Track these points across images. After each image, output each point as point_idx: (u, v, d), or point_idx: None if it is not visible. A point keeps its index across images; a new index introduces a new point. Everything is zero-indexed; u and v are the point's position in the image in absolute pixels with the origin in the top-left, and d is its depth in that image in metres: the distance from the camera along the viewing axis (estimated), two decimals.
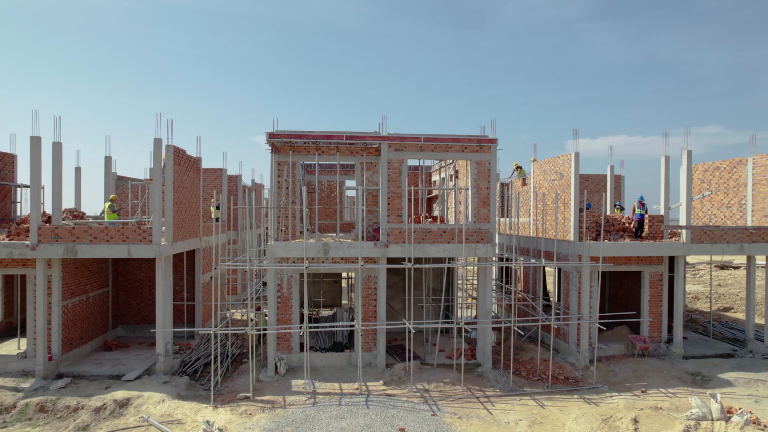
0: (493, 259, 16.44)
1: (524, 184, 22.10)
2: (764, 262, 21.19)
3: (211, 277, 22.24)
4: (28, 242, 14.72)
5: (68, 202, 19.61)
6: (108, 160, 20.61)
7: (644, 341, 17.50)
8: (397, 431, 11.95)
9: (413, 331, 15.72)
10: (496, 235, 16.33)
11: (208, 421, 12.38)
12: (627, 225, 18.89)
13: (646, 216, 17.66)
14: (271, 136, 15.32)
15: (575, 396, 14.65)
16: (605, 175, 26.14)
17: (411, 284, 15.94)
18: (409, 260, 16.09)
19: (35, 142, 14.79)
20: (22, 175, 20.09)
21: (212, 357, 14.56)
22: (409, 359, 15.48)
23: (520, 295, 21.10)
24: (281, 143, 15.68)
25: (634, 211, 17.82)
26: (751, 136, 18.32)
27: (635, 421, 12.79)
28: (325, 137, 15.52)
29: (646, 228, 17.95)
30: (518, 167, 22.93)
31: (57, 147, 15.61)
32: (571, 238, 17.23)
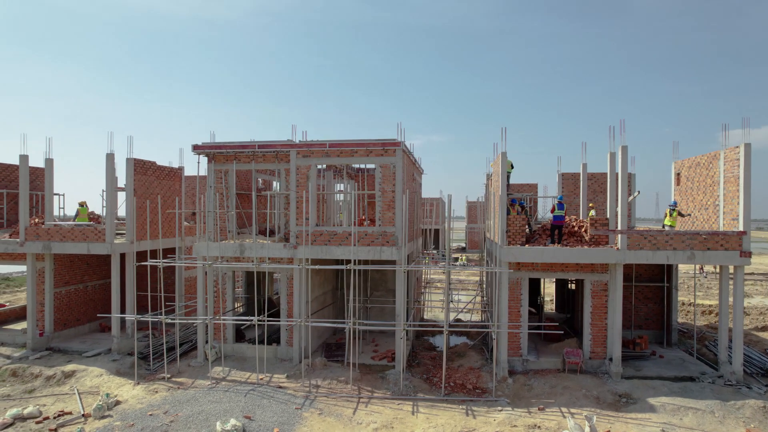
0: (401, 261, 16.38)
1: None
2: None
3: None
4: (18, 240, 18.39)
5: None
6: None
7: (578, 356, 16.02)
8: (244, 418, 12.91)
9: (302, 327, 16.44)
10: (401, 238, 16.21)
11: (107, 394, 14.53)
12: (577, 229, 17.36)
13: (569, 219, 16.15)
14: (195, 148, 17.15)
15: (462, 406, 14.16)
16: (629, 174, 23.68)
17: (301, 285, 16.56)
18: (321, 262, 16.79)
19: (24, 161, 18.40)
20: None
21: (114, 343, 16.73)
22: (308, 356, 16.23)
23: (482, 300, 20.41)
24: (210, 153, 17.44)
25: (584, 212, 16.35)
26: (723, 125, 15.62)
27: None
28: (240, 147, 16.92)
29: (587, 231, 16.36)
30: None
31: (49, 163, 19.15)
32: (498, 242, 16.45)
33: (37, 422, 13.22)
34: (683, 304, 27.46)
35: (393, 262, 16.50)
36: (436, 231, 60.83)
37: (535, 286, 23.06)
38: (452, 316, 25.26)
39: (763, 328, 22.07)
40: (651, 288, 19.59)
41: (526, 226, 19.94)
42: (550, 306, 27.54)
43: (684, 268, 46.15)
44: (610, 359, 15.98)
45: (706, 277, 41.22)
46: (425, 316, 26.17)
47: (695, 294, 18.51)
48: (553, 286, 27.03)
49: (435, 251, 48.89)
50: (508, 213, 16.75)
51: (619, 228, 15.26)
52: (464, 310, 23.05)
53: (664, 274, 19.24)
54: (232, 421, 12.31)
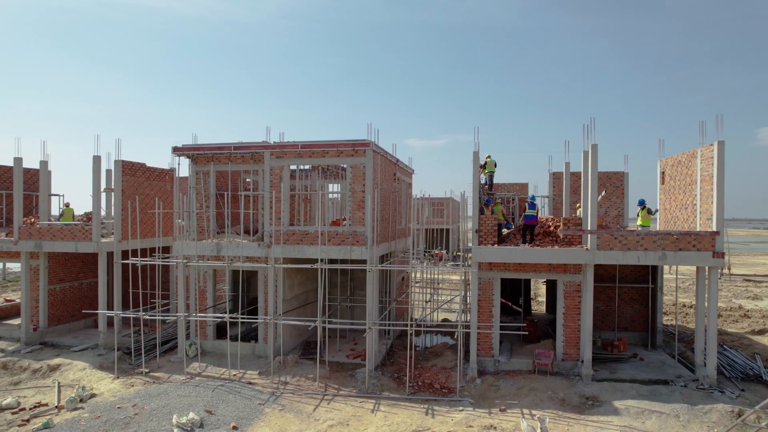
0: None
1: None
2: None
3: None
4: (13, 239, 19.25)
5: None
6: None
7: (548, 357, 15.83)
8: (205, 412, 13.25)
9: (276, 325, 16.69)
10: (371, 238, 16.29)
11: (83, 387, 15.11)
12: (552, 229, 17.15)
13: (545, 219, 15.93)
14: (175, 150, 17.65)
15: (424, 405, 14.19)
16: (621, 173, 23.24)
17: (273, 283, 16.74)
18: (295, 261, 17.02)
19: (17, 163, 19.24)
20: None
21: (111, 339, 17.27)
22: (281, 354, 16.49)
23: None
24: (191, 155, 17.90)
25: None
26: (700, 123, 15.16)
27: None
28: (218, 148, 17.33)
29: (567, 231, 16.15)
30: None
31: (43, 164, 19.98)
32: (470, 242, 16.40)
33: (13, 413, 13.84)
34: (683, 306, 26.74)
35: (364, 262, 16.61)
36: (449, 231, 60.44)
37: (520, 286, 22.84)
38: (446, 315, 25.25)
39: (760, 332, 21.31)
40: (636, 289, 19.18)
41: (512, 225, 19.80)
42: (542, 307, 27.19)
43: (682, 269, 44.34)
44: (582, 361, 15.74)
45: (720, 279, 39.91)
46: (416, 316, 26.16)
47: (677, 294, 18.03)
48: (545, 286, 26.66)
49: (444, 251, 48.71)
50: (483, 213, 16.70)
51: (589, 228, 15.03)
52: (438, 309, 23.02)
53: (650, 275, 18.82)
54: (191, 415, 12.67)
